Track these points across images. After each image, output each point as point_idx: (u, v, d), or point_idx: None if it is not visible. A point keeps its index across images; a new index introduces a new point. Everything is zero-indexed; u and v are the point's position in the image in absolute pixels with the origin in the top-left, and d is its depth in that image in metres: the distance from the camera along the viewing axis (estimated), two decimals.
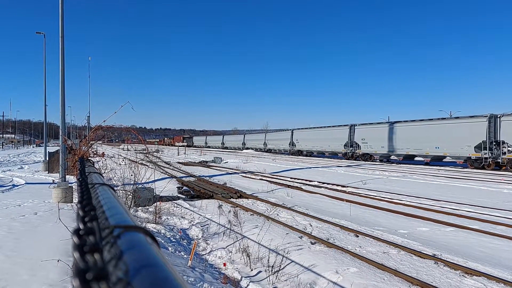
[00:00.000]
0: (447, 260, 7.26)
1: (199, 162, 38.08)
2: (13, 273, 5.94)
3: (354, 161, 38.22)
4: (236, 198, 14.64)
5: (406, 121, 36.04)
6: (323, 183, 19.13)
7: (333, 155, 44.73)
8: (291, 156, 48.99)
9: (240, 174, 24.77)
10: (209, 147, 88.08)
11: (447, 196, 14.80)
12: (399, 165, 34.00)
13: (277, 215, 11.51)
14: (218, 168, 29.95)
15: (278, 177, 22.16)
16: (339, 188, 17.62)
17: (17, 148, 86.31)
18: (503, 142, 26.83)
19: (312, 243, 8.51)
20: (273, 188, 17.30)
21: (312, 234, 9.24)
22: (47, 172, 24.44)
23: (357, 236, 9.12)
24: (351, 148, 40.52)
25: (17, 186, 17.70)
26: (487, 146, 27.43)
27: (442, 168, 30.21)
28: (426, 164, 33.42)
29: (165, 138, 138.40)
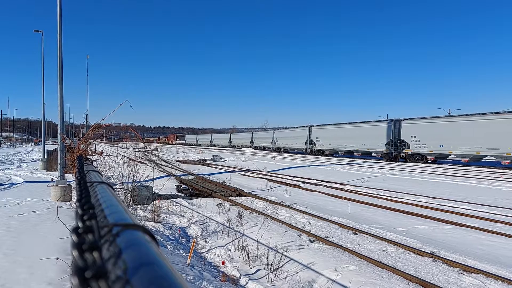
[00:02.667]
0: (445, 257, 7.28)
1: (198, 160, 38.09)
2: (11, 272, 5.93)
3: (314, 156, 46.19)
4: (235, 196, 14.64)
5: (346, 123, 44.41)
6: (322, 181, 19.15)
7: (300, 151, 52.90)
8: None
9: (239, 172, 24.78)
10: (199, 144, 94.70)
11: (446, 194, 14.84)
12: (397, 163, 34.22)
13: (276, 213, 11.52)
14: (217, 166, 29.95)
15: (277, 175, 22.17)
16: (337, 186, 17.64)
17: (15, 147, 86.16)
18: (403, 141, 34.96)
19: (311, 241, 8.52)
20: (272, 186, 17.32)
21: (311, 232, 9.25)
22: (45, 170, 24.40)
23: (356, 234, 9.13)
24: (310, 145, 48.92)
25: (16, 184, 17.68)
26: (393, 143, 35.94)
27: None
28: (358, 157, 41.52)
29: (160, 137, 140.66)
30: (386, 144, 36.22)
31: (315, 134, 47.96)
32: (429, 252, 7.69)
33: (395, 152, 35.57)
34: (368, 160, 37.73)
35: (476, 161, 30.19)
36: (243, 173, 24.24)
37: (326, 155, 45.37)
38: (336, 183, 18.30)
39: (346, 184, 17.99)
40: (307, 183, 18.77)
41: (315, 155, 46.94)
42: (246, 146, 70.03)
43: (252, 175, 22.84)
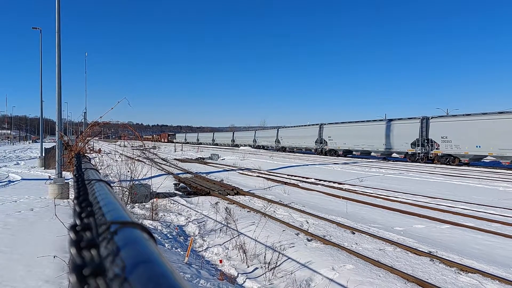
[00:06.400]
0: (442, 257, 7.30)
1: (196, 159, 38.07)
2: (9, 269, 5.92)
3: (282, 152, 56.43)
4: (233, 195, 14.64)
5: (296, 126, 58.95)
6: (320, 180, 19.17)
7: (272, 148, 64.04)
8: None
9: (237, 171, 24.78)
10: (188, 142, 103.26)
11: (443, 194, 14.87)
12: (395, 162, 34.36)
13: (274, 212, 11.52)
14: (215, 165, 29.94)
15: (275, 174, 22.17)
16: (335, 185, 17.66)
17: (13, 144, 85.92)
18: (324, 140, 47.24)
19: (308, 240, 8.53)
20: (270, 185, 17.33)
21: (309, 231, 9.26)
22: (43, 168, 24.35)
23: (354, 233, 9.15)
24: (278, 143, 60.96)
25: (13, 182, 17.64)
26: (318, 141, 48.34)
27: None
28: (304, 152, 53.05)
29: (154, 135, 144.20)
30: (315, 142, 48.76)
31: (280, 134, 60.28)
32: (426, 251, 7.71)
33: (320, 148, 47.97)
34: (366, 160, 37.98)
35: (367, 155, 41.14)
36: (241, 171, 24.23)
37: (288, 151, 56.66)
38: (334, 182, 18.32)
39: (344, 183, 18.01)
40: (305, 182, 18.79)
41: (280, 151, 58.20)
42: (228, 145, 78.78)
43: (250, 174, 22.83)
